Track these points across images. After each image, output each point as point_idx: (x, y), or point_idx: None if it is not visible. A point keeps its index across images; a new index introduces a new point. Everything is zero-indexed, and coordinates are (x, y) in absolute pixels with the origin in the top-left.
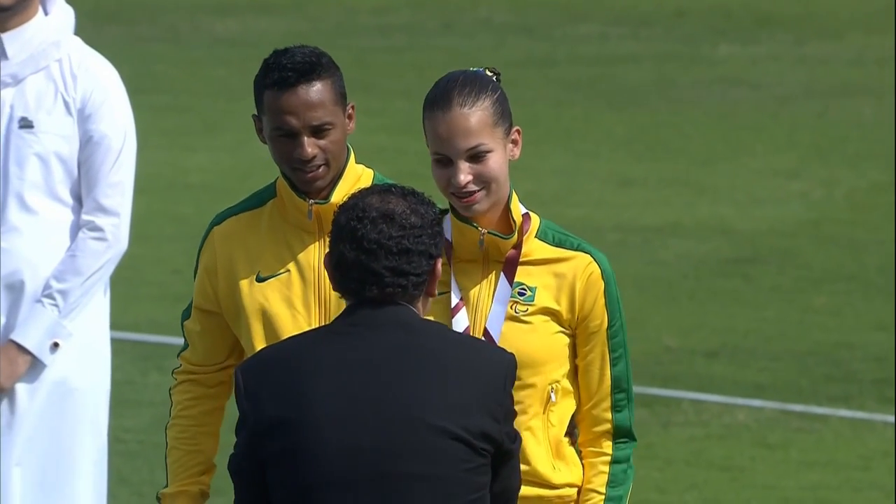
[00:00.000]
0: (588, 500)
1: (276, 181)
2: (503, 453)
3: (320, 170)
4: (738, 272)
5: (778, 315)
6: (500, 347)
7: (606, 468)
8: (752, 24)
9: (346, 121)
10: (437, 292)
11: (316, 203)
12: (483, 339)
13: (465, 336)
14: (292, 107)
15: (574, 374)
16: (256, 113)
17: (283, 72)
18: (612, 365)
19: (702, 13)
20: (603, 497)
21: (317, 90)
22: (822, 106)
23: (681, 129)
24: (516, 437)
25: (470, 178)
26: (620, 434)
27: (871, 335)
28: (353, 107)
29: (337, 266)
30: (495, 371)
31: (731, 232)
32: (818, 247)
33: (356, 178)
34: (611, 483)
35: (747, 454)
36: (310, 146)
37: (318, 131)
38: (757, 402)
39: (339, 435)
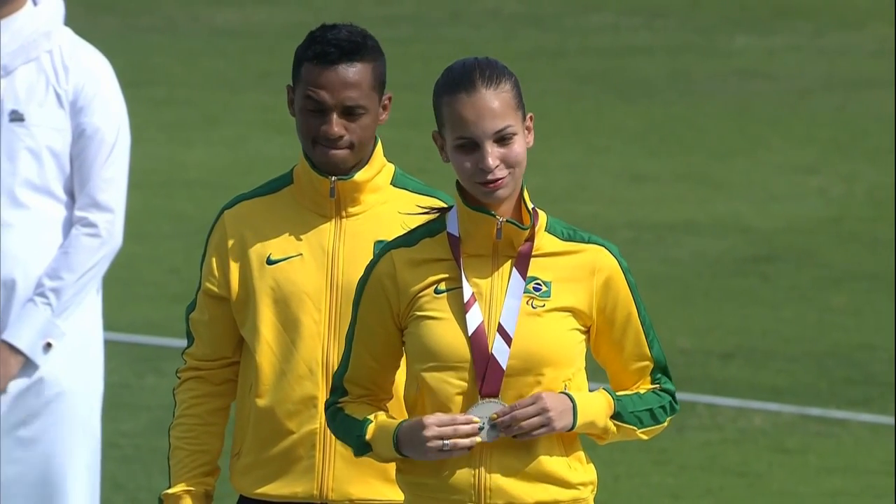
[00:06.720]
0: (626, 391)
1: (292, 170)
2: None
3: (343, 151)
4: (754, 271)
5: (796, 315)
6: None
7: (657, 387)
8: (770, 14)
9: (380, 110)
10: (445, 287)
11: (339, 179)
12: (498, 334)
13: None
14: (328, 83)
15: (584, 375)
16: (291, 83)
17: (326, 46)
18: (650, 347)
19: (717, 3)
20: (652, 391)
21: (356, 71)
22: (843, 99)
23: (696, 123)
24: None
25: (499, 161)
26: (659, 370)
27: (893, 336)
28: (389, 98)
29: None
30: None
31: (748, 229)
32: (838, 245)
33: (381, 166)
34: (657, 402)
35: (764, 459)
36: (337, 125)
37: (349, 112)
38: (774, 406)
39: None
